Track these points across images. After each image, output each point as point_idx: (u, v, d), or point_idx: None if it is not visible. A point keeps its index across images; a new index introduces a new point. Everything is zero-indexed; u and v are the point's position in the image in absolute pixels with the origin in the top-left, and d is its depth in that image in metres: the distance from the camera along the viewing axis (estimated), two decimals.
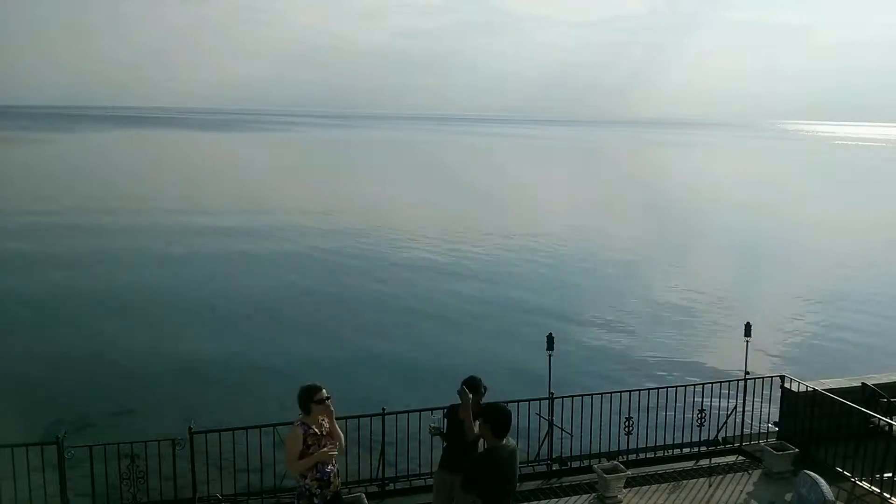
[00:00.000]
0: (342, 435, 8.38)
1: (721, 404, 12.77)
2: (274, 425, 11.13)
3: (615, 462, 11.50)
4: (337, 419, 11.33)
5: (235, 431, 10.59)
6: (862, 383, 12.77)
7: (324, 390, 8.20)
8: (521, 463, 12.06)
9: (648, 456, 12.51)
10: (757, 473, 11.94)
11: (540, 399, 12.11)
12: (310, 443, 7.92)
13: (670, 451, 12.65)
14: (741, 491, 11.40)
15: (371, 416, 11.29)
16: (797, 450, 11.86)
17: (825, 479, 9.91)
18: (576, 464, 12.14)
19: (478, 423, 8.04)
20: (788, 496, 10.50)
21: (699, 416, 12.62)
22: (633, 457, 12.29)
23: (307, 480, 7.95)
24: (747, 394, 12.76)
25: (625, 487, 11.21)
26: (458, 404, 8.67)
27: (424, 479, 11.58)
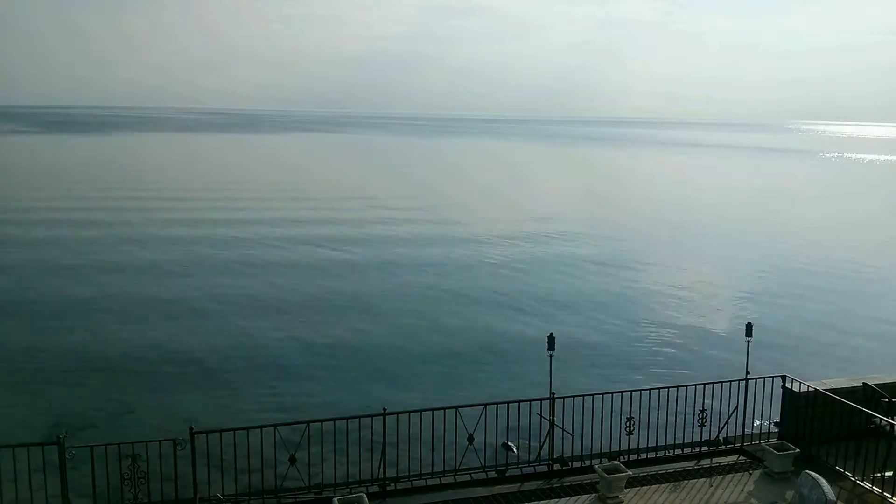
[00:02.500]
0: None
1: (722, 404, 12.76)
2: (275, 425, 11.15)
3: (616, 462, 11.50)
4: (338, 419, 11.39)
5: (237, 431, 10.60)
6: (863, 383, 12.77)
7: None
8: (522, 463, 12.15)
9: (649, 456, 12.51)
10: (758, 473, 11.94)
11: (541, 399, 12.12)
12: None
13: (671, 451, 12.65)
14: (742, 491, 11.40)
15: (372, 416, 11.30)
16: (798, 450, 11.85)
17: (826, 479, 9.91)
18: (577, 464, 12.15)
19: None
20: (789, 496, 10.49)
21: (700, 416, 12.62)
22: (634, 457, 12.30)
23: None
24: (748, 394, 12.75)
25: (626, 487, 11.21)
26: None
27: (426, 479, 11.60)
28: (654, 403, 12.43)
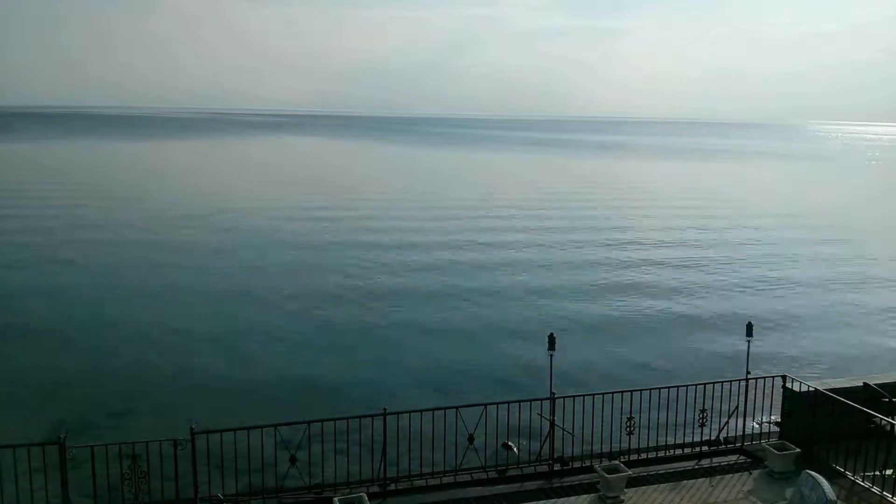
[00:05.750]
0: None
1: (723, 404, 12.78)
2: (276, 425, 11.15)
3: (616, 462, 11.51)
4: (339, 419, 11.40)
5: (237, 432, 10.60)
6: (864, 383, 12.78)
7: None
8: (522, 462, 12.16)
9: (650, 456, 12.53)
10: (758, 473, 11.95)
11: (541, 399, 12.13)
12: None
13: (672, 451, 12.66)
14: (742, 491, 11.41)
15: (373, 416, 11.31)
16: (799, 450, 11.86)
17: (827, 479, 9.91)
18: (577, 464, 12.16)
19: None
20: (790, 496, 10.49)
21: (701, 415, 12.63)
22: (634, 457, 12.31)
23: None
24: (749, 393, 12.76)
25: (626, 487, 11.21)
26: None
27: (426, 479, 11.60)
28: (654, 403, 12.43)
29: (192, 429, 10.30)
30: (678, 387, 12.71)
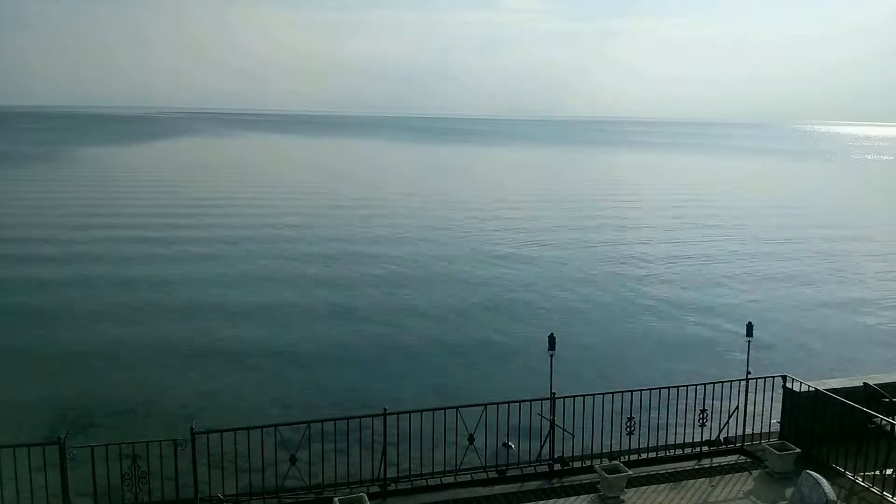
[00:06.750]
0: None
1: (723, 404, 12.78)
2: (276, 426, 11.16)
3: (617, 462, 11.52)
4: (339, 419, 11.41)
5: (237, 431, 10.61)
6: (864, 383, 12.79)
7: None
8: (523, 462, 12.16)
9: (650, 456, 12.53)
10: (758, 473, 11.95)
11: (542, 399, 12.13)
12: None
13: (672, 451, 12.67)
14: (742, 491, 11.41)
15: (373, 416, 11.32)
16: (799, 450, 11.86)
17: (827, 479, 9.91)
18: (577, 464, 12.16)
19: None
20: (790, 496, 10.49)
21: (701, 416, 12.64)
22: (634, 457, 12.32)
23: None
24: (749, 394, 12.77)
25: (626, 487, 11.22)
26: None
27: (426, 479, 11.61)
28: (654, 403, 12.44)
29: (192, 429, 10.30)
30: (678, 387, 12.71)
